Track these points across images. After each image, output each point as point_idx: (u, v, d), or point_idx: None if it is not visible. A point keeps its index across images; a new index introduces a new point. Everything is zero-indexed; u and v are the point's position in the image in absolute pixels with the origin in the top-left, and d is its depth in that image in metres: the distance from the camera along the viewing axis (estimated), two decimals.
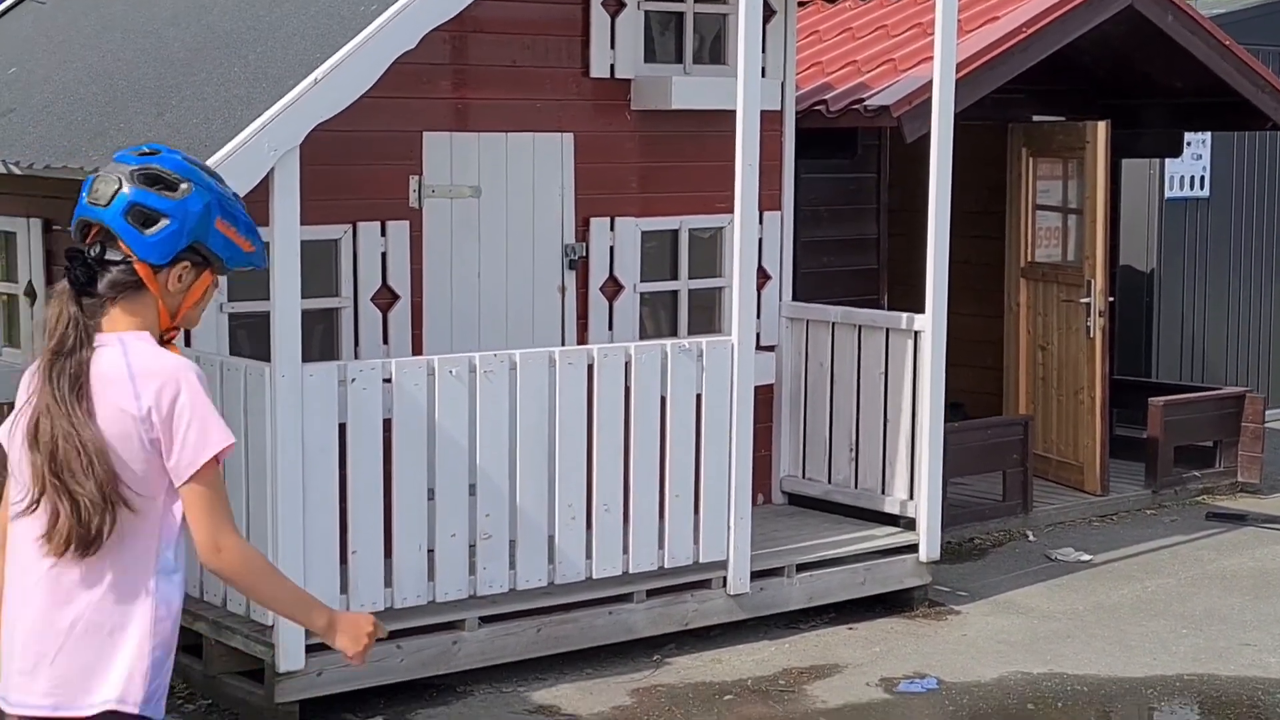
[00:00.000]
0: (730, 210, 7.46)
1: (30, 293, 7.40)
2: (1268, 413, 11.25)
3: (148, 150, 3.48)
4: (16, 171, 6.93)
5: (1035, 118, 10.71)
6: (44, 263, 7.35)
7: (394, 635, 6.62)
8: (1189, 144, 11.99)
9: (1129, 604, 8.20)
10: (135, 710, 3.34)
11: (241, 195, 5.92)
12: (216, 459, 3.35)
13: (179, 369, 3.38)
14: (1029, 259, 10.46)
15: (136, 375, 3.34)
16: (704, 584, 7.40)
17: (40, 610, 3.34)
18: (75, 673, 3.33)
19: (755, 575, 7.49)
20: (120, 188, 3.40)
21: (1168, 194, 12.43)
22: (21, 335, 7.51)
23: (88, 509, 3.26)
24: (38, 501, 3.30)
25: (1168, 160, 12.17)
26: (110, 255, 3.41)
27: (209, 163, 5.90)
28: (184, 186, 3.44)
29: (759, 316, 8.20)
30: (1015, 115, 10.50)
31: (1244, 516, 9.95)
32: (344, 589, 6.49)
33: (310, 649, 6.36)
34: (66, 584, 3.33)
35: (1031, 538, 9.41)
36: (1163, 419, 10.34)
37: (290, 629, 6.28)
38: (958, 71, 8.09)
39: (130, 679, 3.34)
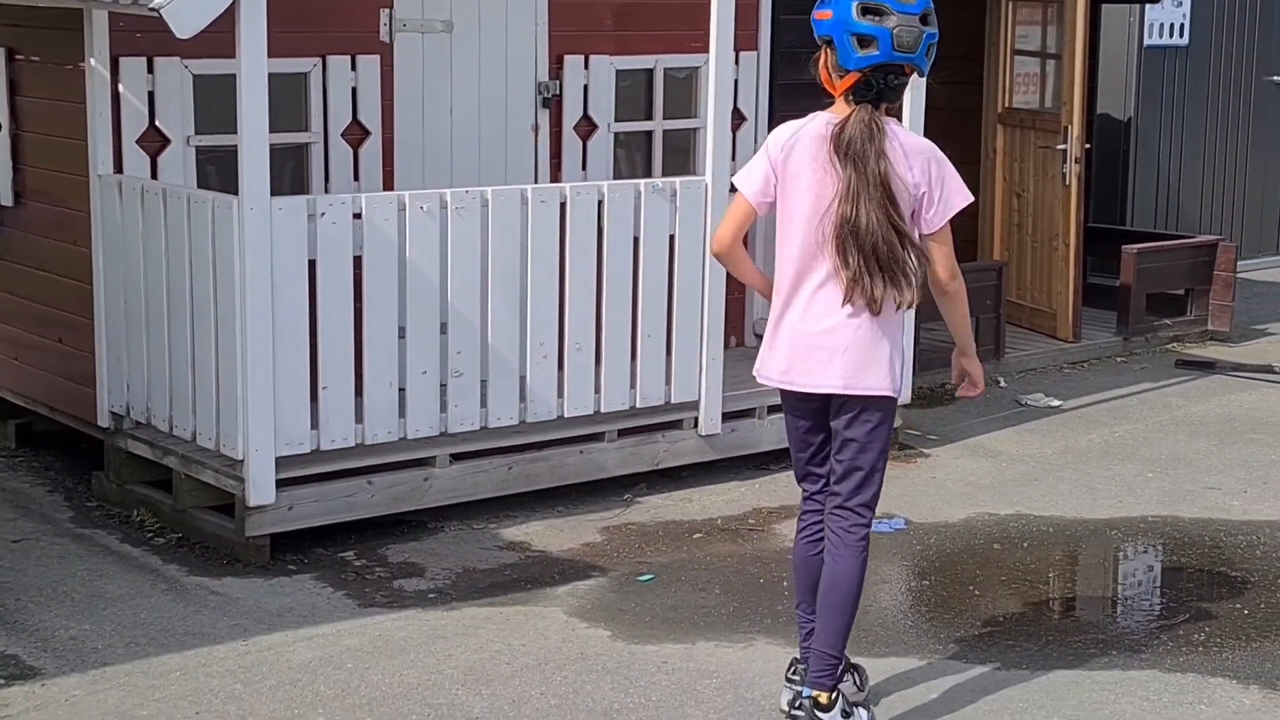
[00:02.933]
0: (706, 50, 7.36)
1: None
2: (1240, 262, 11.27)
3: None
4: None
5: None
6: (8, 92, 7.23)
7: (365, 471, 6.64)
8: None
9: (1097, 449, 8.26)
10: (890, 393, 4.83)
11: (206, 23, 5.87)
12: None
13: (933, 148, 4.80)
14: (1006, 105, 10.38)
15: (910, 153, 4.71)
16: (675, 424, 7.42)
17: (842, 324, 4.76)
18: (854, 364, 4.78)
19: (726, 416, 7.51)
20: (922, 32, 4.69)
21: (1147, 41, 12.32)
22: None
23: (895, 281, 4.69)
24: (856, 275, 4.68)
25: (1148, 7, 12.06)
26: (896, 81, 4.70)
27: None
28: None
29: (734, 159, 8.15)
30: None
31: (1213, 364, 10.00)
32: (314, 424, 6.48)
33: (281, 483, 6.38)
34: (854, 309, 4.75)
35: (1003, 383, 9.44)
36: (1135, 267, 10.35)
37: (261, 462, 6.28)
38: None
39: (890, 372, 4.82)
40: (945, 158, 4.80)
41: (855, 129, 4.67)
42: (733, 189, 4.99)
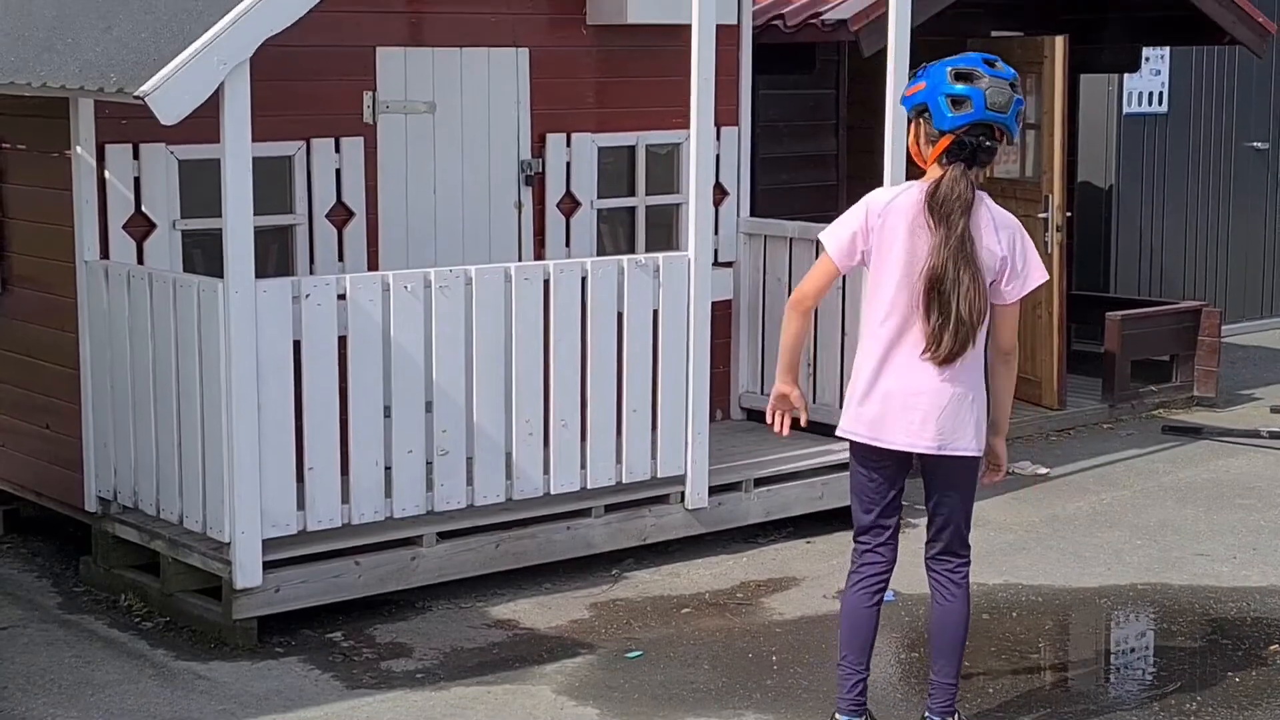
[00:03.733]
0: (687, 126, 7.43)
1: None
2: (1224, 327, 11.33)
3: (993, 61, 5.04)
4: None
5: (993, 33, 10.68)
6: None
7: (351, 552, 6.64)
8: (1147, 59, 11.99)
9: (1084, 516, 8.27)
10: (978, 453, 5.17)
11: (191, 110, 5.92)
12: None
13: (1019, 223, 5.12)
14: (987, 174, 10.45)
15: (999, 226, 5.03)
16: (662, 499, 7.43)
17: (930, 385, 5.04)
18: (943, 424, 5.07)
19: (713, 490, 7.52)
20: (1013, 95, 4.99)
21: (1126, 110, 12.43)
22: None
23: (968, 330, 4.97)
24: (938, 329, 4.98)
25: (1126, 76, 12.17)
26: (988, 143, 5.00)
27: (158, 77, 5.86)
28: None
29: (717, 232, 8.21)
30: (973, 30, 10.46)
31: (1199, 430, 10.02)
32: (301, 505, 6.49)
33: (268, 565, 6.37)
34: (939, 370, 5.03)
35: None
36: (1120, 333, 10.40)
37: (248, 544, 6.28)
38: None
39: (977, 432, 5.14)
40: (1028, 234, 5.16)
41: (948, 188, 4.95)
42: (818, 247, 5.26)
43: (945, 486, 5.24)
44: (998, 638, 6.55)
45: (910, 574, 7.31)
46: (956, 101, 4.95)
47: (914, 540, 7.79)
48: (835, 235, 5.16)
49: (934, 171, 5.05)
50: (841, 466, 7.97)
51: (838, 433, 5.26)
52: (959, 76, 4.98)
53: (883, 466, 5.24)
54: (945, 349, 5.00)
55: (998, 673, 6.19)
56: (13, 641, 6.45)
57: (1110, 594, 7.11)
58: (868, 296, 5.17)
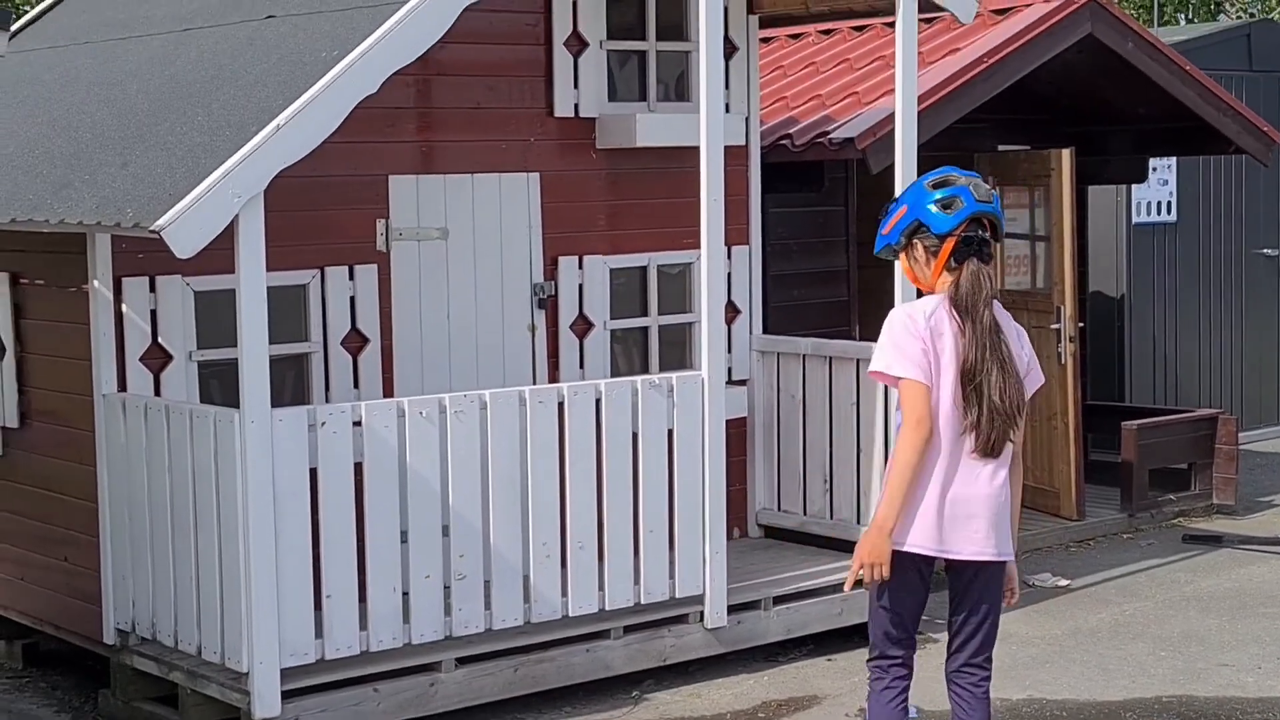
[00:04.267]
0: (698, 246, 7.49)
1: (0, 347, 7.39)
2: (1241, 434, 11.31)
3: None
4: None
5: (1000, 147, 10.78)
6: (12, 316, 7.34)
7: (371, 679, 6.61)
8: (1154, 170, 12.08)
9: (1107, 628, 8.21)
10: (1013, 557, 5.23)
11: (206, 243, 6.00)
12: None
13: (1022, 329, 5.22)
14: (999, 287, 10.49)
15: (1013, 327, 5.12)
16: (681, 619, 7.40)
17: (986, 491, 5.06)
18: (999, 531, 5.11)
19: (732, 609, 7.49)
20: (990, 190, 5.08)
21: (1135, 220, 12.51)
22: None
23: (1011, 425, 5.00)
24: (977, 421, 4.99)
25: (1134, 186, 12.26)
26: (986, 235, 5.08)
27: (173, 211, 5.94)
28: None
29: (730, 351, 8.25)
30: (980, 145, 10.56)
31: (1220, 538, 9.98)
32: (319, 633, 6.48)
33: (287, 694, 6.35)
34: (991, 473, 5.07)
35: None
36: (1136, 442, 10.38)
37: (266, 674, 6.26)
38: (921, 103, 8.15)
39: (1014, 536, 5.21)
40: None
41: (969, 283, 5.02)
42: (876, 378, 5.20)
43: (986, 596, 5.24)
44: None
45: (932, 689, 7.26)
46: (946, 204, 5.03)
47: (936, 655, 7.74)
48: (912, 363, 5.01)
49: (943, 282, 5.10)
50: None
51: (901, 548, 5.09)
52: (937, 185, 5.07)
53: (925, 577, 5.25)
54: (984, 439, 5.00)
55: None
56: None
57: (1135, 707, 7.05)
58: None
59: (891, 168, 8.03)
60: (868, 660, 5.36)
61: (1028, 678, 7.43)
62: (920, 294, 5.25)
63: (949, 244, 5.04)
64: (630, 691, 7.24)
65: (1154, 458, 10.51)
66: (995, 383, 4.99)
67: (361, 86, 6.36)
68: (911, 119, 7.86)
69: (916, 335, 5.03)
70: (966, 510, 5.09)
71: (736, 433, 8.28)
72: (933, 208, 5.04)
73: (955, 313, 5.03)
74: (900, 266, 5.40)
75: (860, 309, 9.86)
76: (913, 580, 5.21)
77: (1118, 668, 7.56)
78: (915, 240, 5.11)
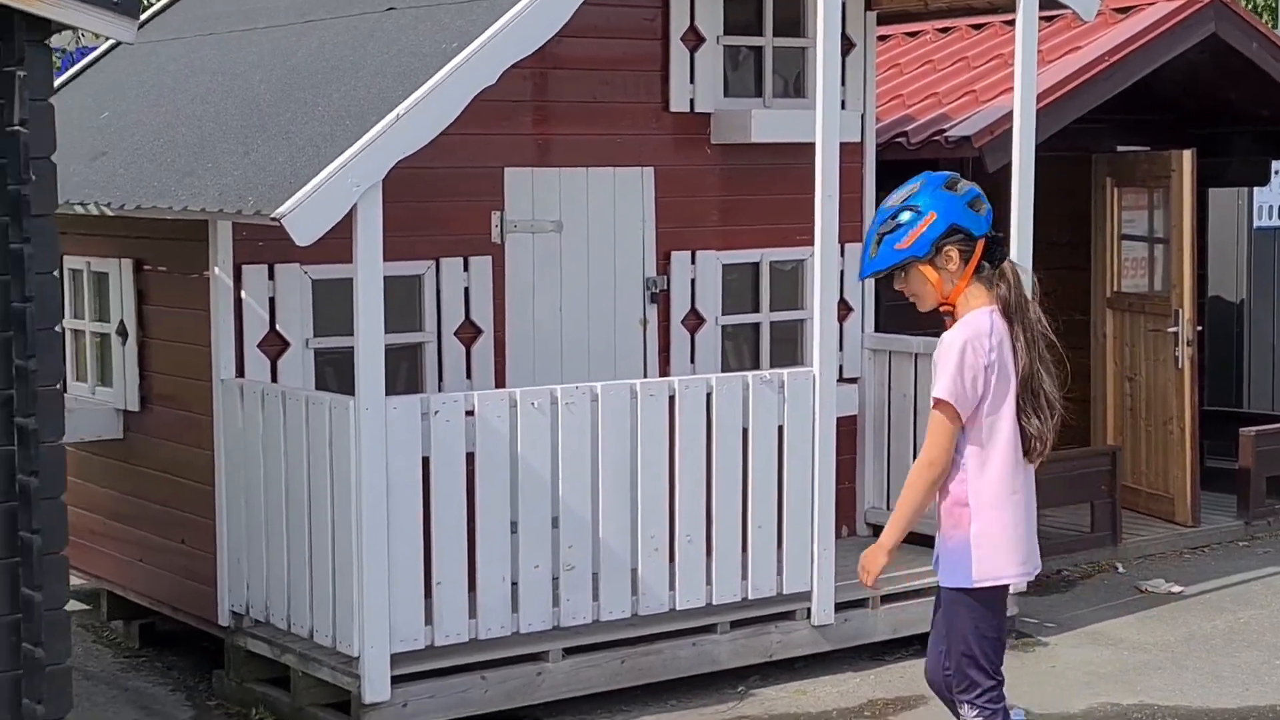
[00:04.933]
0: (811, 243, 7.48)
1: (122, 332, 7.53)
2: None
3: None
4: (109, 213, 7.08)
5: (1119, 147, 10.65)
6: (135, 301, 7.48)
7: (478, 667, 6.67)
8: (1277, 172, 11.88)
9: (1221, 635, 8.09)
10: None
11: (325, 231, 6.09)
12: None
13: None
14: (1115, 289, 10.38)
15: None
16: (788, 615, 7.39)
17: (1028, 503, 4.98)
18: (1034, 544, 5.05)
19: (839, 606, 7.47)
20: None
21: (1257, 223, 12.31)
22: (114, 374, 7.65)
23: (1054, 429, 4.89)
24: (1038, 426, 4.87)
25: (1256, 189, 12.06)
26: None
27: (294, 199, 6.03)
28: None
29: (841, 348, 8.21)
30: (1098, 145, 10.44)
31: None
32: (429, 620, 6.54)
33: (396, 680, 6.42)
34: (1029, 481, 5.00)
35: (1121, 570, 9.31)
36: (1254, 449, 10.22)
37: (376, 659, 6.34)
38: (1039, 101, 8.07)
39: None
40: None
41: (1015, 283, 4.91)
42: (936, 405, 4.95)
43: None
44: None
45: (1040, 692, 7.21)
46: (974, 205, 4.88)
47: (1045, 659, 7.69)
48: (966, 395, 4.86)
49: (976, 293, 4.89)
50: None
51: (1005, 580, 4.99)
52: (950, 187, 4.90)
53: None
54: (1042, 444, 4.93)
55: None
56: None
57: (1250, 715, 6.94)
58: (989, 429, 4.91)
59: (1008, 167, 7.97)
60: (974, 698, 5.07)
61: (1139, 683, 7.34)
62: (942, 312, 5.00)
63: (981, 245, 4.89)
64: (736, 686, 7.24)
65: (1272, 465, 10.34)
66: (1048, 385, 4.91)
67: (480, 78, 6.41)
68: (1030, 117, 7.79)
69: (980, 364, 4.83)
70: (1032, 525, 5.05)
71: (846, 430, 8.24)
72: (968, 211, 4.86)
73: (1006, 318, 4.89)
74: (903, 285, 5.00)
75: None
76: (1001, 599, 5.10)
77: (1231, 675, 7.45)
78: (946, 247, 4.88)
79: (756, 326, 8.36)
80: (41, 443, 5.23)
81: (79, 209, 7.23)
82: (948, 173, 5.01)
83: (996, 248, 4.93)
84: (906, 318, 9.24)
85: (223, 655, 7.20)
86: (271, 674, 6.97)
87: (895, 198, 4.92)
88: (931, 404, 4.91)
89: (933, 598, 7.70)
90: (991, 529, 4.92)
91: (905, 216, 4.87)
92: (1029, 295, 4.98)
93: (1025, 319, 4.90)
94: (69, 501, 5.47)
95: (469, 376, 7.48)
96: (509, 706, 6.75)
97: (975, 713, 5.02)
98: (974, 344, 4.85)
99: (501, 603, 6.69)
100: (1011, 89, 8.03)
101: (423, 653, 6.54)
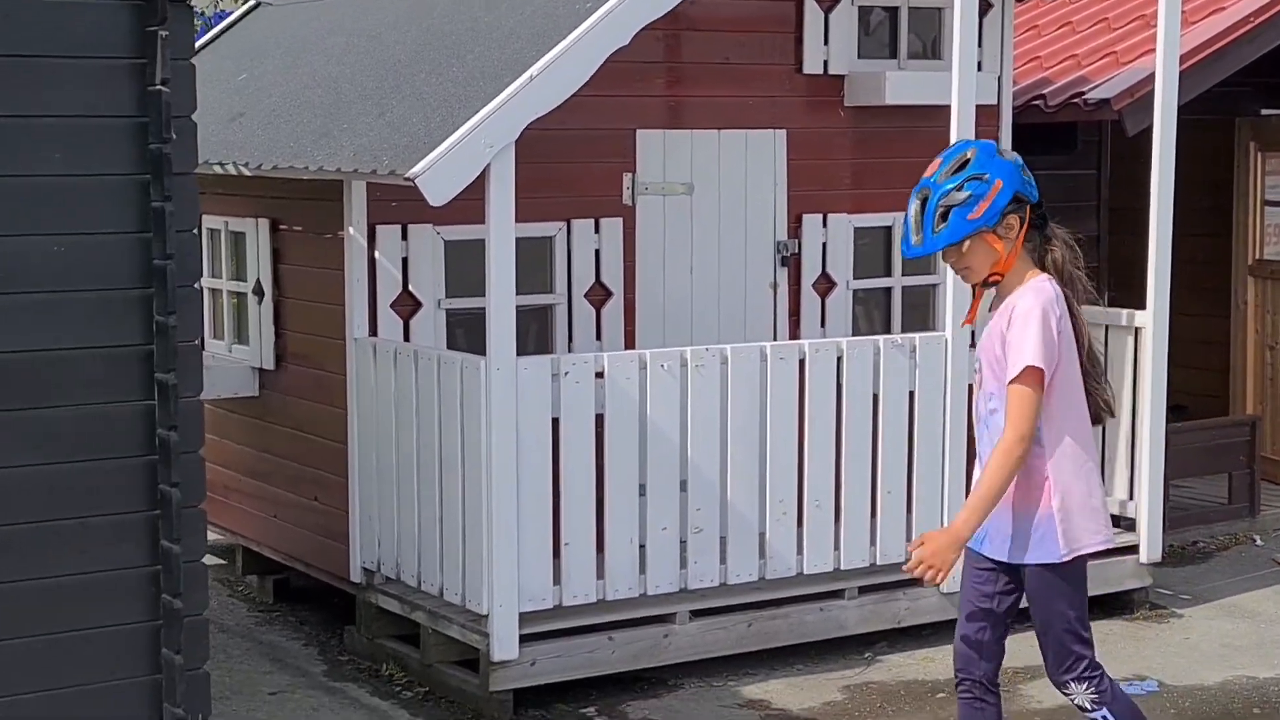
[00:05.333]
0: None
1: (259, 291, 7.64)
2: None
3: None
4: (246, 173, 7.17)
5: (1264, 111, 10.39)
6: (271, 261, 7.57)
7: (605, 627, 6.70)
8: None
9: None
10: None
11: (458, 192, 6.12)
12: None
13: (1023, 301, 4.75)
14: (1258, 256, 10.16)
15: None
16: (916, 582, 7.29)
17: (1098, 470, 4.86)
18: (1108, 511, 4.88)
19: None
20: None
21: None
22: (250, 333, 7.76)
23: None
24: (1098, 392, 4.82)
25: None
26: None
27: (427, 160, 6.06)
28: None
29: None
30: (1242, 109, 10.20)
31: None
32: (557, 580, 6.58)
33: (524, 639, 6.46)
34: (1097, 447, 4.94)
35: (1259, 542, 9.13)
36: None
37: (505, 617, 6.38)
38: (1182, 64, 7.90)
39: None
40: (1032, 317, 4.77)
41: (1069, 247, 4.82)
42: (1023, 374, 4.67)
43: None
44: None
45: (1174, 664, 7.10)
46: (1025, 171, 4.73)
47: (1179, 630, 7.57)
48: (1049, 355, 4.66)
49: (1025, 261, 4.72)
50: (1106, 552, 7.77)
51: (1093, 549, 4.81)
52: (1001, 152, 4.75)
53: None
54: (1103, 407, 4.87)
55: None
56: (281, 707, 6.64)
57: None
58: (1064, 398, 4.73)
59: (1148, 131, 7.81)
60: (1082, 673, 4.88)
61: (1276, 657, 7.20)
62: (988, 283, 4.76)
63: (1029, 212, 4.72)
64: (863, 652, 7.21)
65: None
66: (1097, 347, 4.91)
67: (613, 39, 6.40)
68: (1173, 79, 7.63)
69: (1056, 333, 4.65)
70: (1103, 489, 4.92)
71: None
72: (1028, 177, 4.70)
73: (1064, 288, 4.73)
74: (957, 258, 4.73)
75: (1111, 278, 9.62)
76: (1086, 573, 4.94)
77: None
78: (1008, 215, 4.68)
79: (888, 291, 8.28)
80: (180, 398, 5.30)
81: (217, 169, 7.34)
82: (989, 140, 4.91)
83: (1043, 214, 4.79)
84: None
85: (354, 611, 7.29)
86: (401, 630, 7.05)
87: (949, 167, 4.68)
88: (1012, 377, 4.63)
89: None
90: (1074, 500, 4.76)
91: (972, 187, 4.65)
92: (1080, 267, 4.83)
93: (1076, 284, 4.79)
94: (206, 458, 5.56)
95: (598, 338, 7.50)
96: (635, 668, 6.78)
97: (1086, 686, 4.89)
98: (1049, 309, 4.67)
99: (629, 564, 6.71)
100: (1153, 50, 7.88)
101: (550, 612, 6.58)
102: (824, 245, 8.02)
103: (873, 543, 7.21)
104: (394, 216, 7.02)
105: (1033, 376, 4.62)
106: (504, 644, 6.42)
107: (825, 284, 8.05)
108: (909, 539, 7.26)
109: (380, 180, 6.34)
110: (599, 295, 7.51)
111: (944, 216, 4.65)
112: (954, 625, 7.39)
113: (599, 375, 6.61)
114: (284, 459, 7.71)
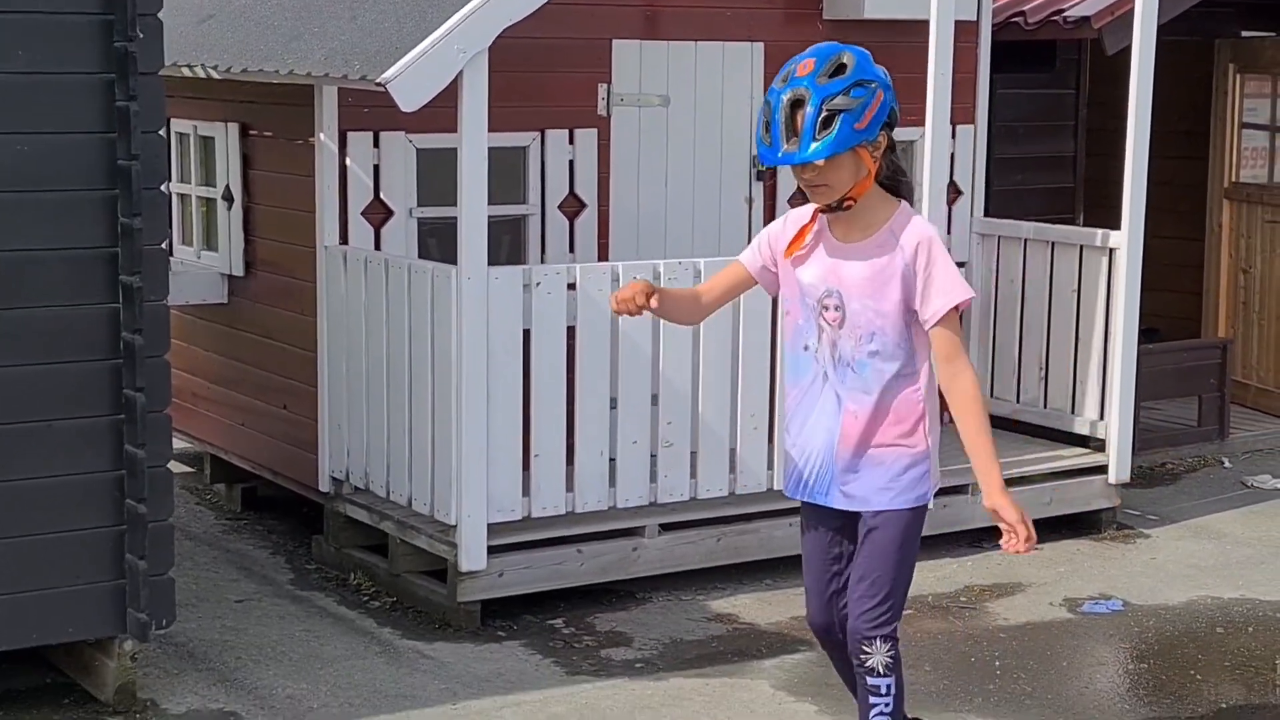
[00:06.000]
0: (921, 123, 7.33)
1: (228, 196, 7.55)
2: None
3: None
4: (215, 76, 7.07)
5: (1244, 33, 10.34)
6: (241, 166, 7.48)
7: (574, 540, 6.69)
8: None
9: None
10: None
11: (430, 97, 6.03)
12: None
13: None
14: (1233, 179, 10.13)
15: None
16: None
17: None
18: None
19: (939, 493, 7.34)
20: None
21: None
22: (219, 239, 7.68)
23: None
24: None
25: None
26: None
27: (400, 64, 5.98)
28: None
29: (949, 232, 8.09)
30: (1220, 29, 10.14)
31: None
32: (526, 491, 6.56)
33: (492, 550, 6.45)
34: None
35: (1227, 464, 9.16)
36: None
37: (473, 528, 6.37)
38: None
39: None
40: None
41: (907, 180, 4.42)
42: None
43: None
44: (1232, 652, 6.34)
45: (1139, 583, 7.13)
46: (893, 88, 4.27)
47: (1145, 551, 7.61)
48: None
49: (878, 191, 4.28)
50: (1073, 473, 7.82)
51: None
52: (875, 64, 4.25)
53: None
54: None
55: (1231, 688, 5.98)
56: (247, 614, 6.63)
57: None
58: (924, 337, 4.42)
59: (1128, 50, 7.75)
60: (892, 631, 4.46)
61: (1241, 577, 7.23)
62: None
63: (886, 138, 4.26)
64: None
65: None
66: None
67: None
68: None
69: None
70: None
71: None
72: (893, 92, 4.22)
73: None
74: (815, 174, 4.19)
75: (1086, 199, 9.59)
76: None
77: None
78: (883, 133, 4.21)
79: None
80: (145, 301, 5.26)
81: (185, 71, 7.23)
82: (862, 48, 4.26)
83: (892, 141, 4.29)
84: (1017, 204, 9.11)
85: (322, 521, 7.27)
86: (369, 540, 7.03)
87: (825, 69, 4.12)
88: (944, 312, 4.25)
89: (1034, 487, 7.65)
90: (936, 438, 4.47)
91: (859, 94, 4.11)
92: None
93: None
94: (174, 365, 5.51)
95: (571, 250, 7.44)
96: (604, 580, 6.77)
97: (888, 647, 4.44)
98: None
99: (599, 477, 6.69)
100: None
101: (519, 524, 6.57)
102: None
103: None
104: (366, 123, 6.93)
105: (959, 311, 4.29)
106: (472, 555, 6.40)
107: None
108: None
109: (351, 85, 6.25)
110: (573, 207, 7.45)
111: (827, 123, 4.08)
112: (923, 544, 7.43)
113: (571, 287, 6.56)
114: (252, 367, 7.65)
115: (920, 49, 7.29)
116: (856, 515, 4.45)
